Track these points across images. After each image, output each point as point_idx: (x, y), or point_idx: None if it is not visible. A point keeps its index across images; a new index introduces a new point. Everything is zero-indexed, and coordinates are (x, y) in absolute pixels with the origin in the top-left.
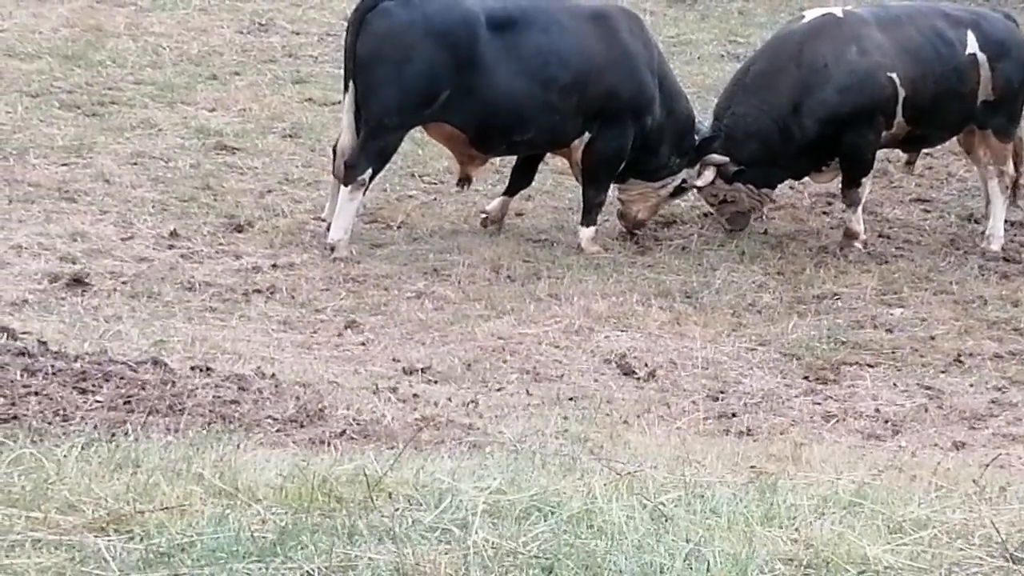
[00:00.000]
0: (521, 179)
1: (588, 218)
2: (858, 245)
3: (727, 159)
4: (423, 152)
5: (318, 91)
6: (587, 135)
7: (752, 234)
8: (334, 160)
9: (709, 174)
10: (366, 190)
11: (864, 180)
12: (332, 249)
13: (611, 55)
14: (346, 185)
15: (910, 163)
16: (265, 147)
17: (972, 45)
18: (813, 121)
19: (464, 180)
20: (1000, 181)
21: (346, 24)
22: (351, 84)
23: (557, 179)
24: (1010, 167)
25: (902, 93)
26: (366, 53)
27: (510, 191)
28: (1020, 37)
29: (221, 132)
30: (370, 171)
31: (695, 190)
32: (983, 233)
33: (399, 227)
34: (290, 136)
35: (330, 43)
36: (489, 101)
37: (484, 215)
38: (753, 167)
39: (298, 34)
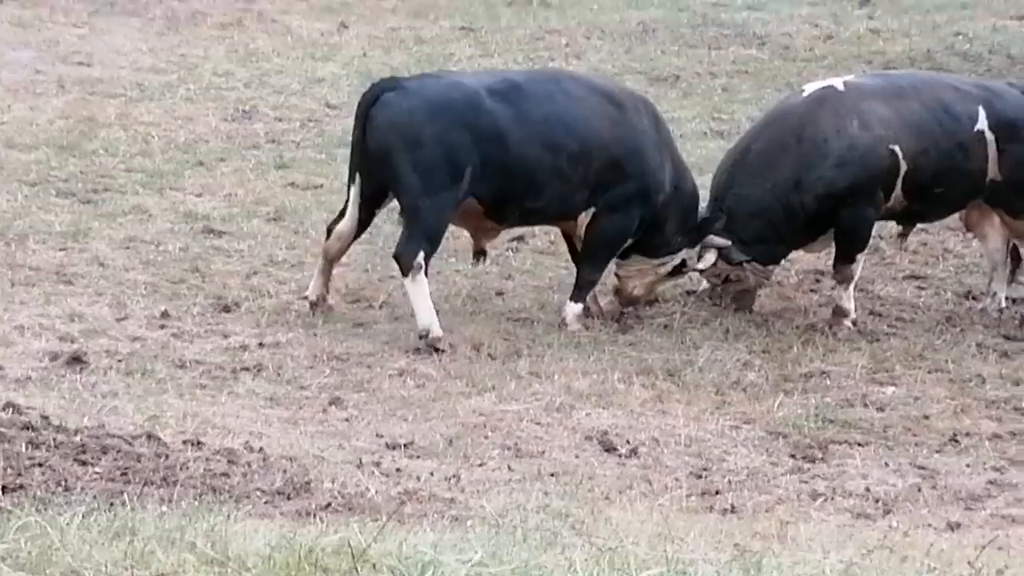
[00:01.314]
0: None
1: (578, 294)
2: (847, 323)
3: (729, 243)
4: None
5: (300, 176)
6: (592, 210)
7: (737, 312)
8: (327, 238)
9: (710, 257)
10: (426, 271)
11: (859, 256)
12: (426, 335)
13: (616, 130)
14: (404, 275)
15: (903, 235)
16: (250, 230)
17: (982, 122)
18: (812, 197)
19: (479, 253)
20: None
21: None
22: (357, 176)
23: (537, 259)
24: None
25: (903, 167)
26: (376, 146)
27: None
28: None
29: (208, 216)
30: (422, 253)
31: (696, 272)
32: (984, 294)
33: (381, 307)
34: (274, 219)
35: (311, 128)
36: (503, 169)
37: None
38: (757, 245)
39: (280, 120)
